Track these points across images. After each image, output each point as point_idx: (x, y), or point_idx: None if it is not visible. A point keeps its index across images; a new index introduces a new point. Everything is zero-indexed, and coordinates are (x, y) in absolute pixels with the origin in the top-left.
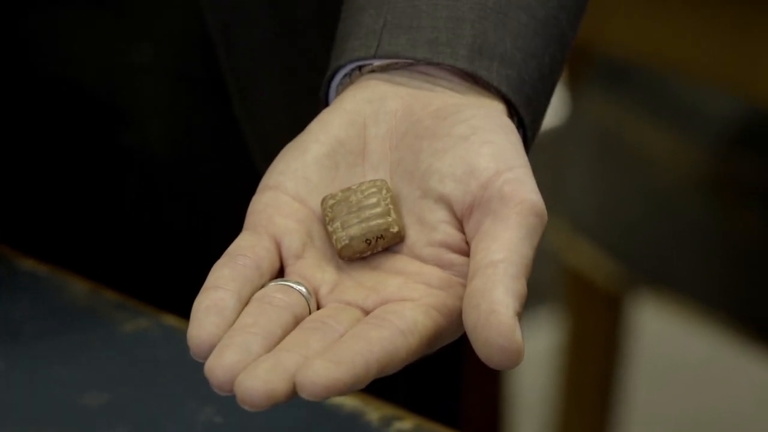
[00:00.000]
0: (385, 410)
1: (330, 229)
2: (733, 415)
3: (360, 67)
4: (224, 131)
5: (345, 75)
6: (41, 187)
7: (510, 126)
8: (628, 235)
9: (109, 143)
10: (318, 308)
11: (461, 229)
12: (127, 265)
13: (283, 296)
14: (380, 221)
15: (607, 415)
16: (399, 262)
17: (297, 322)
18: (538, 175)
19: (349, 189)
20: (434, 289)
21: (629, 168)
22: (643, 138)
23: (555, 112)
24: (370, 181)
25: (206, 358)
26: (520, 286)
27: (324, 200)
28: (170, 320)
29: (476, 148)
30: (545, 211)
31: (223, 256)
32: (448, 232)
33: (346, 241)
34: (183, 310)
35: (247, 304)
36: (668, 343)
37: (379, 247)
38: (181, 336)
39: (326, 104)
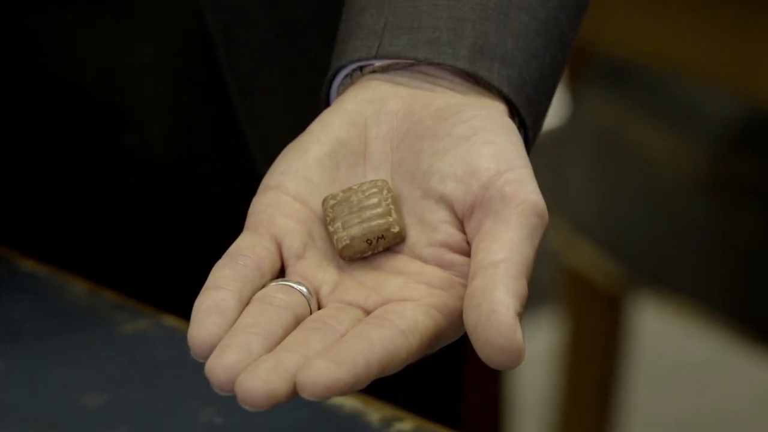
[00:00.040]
0: (386, 411)
1: (331, 229)
2: (733, 416)
3: (361, 68)
4: (224, 131)
5: (346, 75)
6: (41, 187)
7: (511, 126)
8: (628, 235)
9: (109, 143)
10: (319, 308)
11: (462, 229)
12: (126, 265)
13: (284, 296)
14: (381, 221)
15: (607, 415)
16: (400, 262)
17: (298, 322)
18: (538, 176)
19: (350, 189)
20: (435, 289)
21: (629, 168)
22: (644, 138)
23: (555, 113)
24: (371, 181)
25: (207, 358)
26: (521, 287)
27: (325, 200)
28: (170, 321)
29: (477, 149)
30: (546, 212)
31: (224, 256)
32: (448, 232)
33: (347, 241)
34: (183, 310)
35: (248, 304)
36: (668, 344)
37: (380, 247)
38: (181, 336)
39: (327, 105)
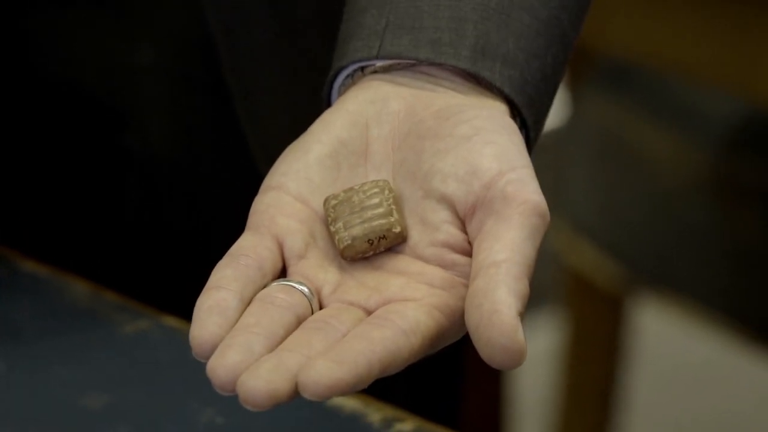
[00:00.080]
0: (386, 411)
1: (332, 229)
2: (734, 416)
3: (362, 68)
4: (224, 131)
5: (347, 76)
6: (41, 187)
7: (512, 126)
8: (629, 236)
9: (110, 144)
10: (320, 308)
11: (463, 229)
12: (127, 266)
13: (285, 296)
14: (382, 221)
15: (608, 415)
16: (401, 262)
17: (299, 322)
18: (539, 176)
19: (351, 189)
20: (436, 289)
21: (630, 169)
22: (644, 139)
23: (556, 114)
24: (373, 181)
25: (208, 358)
26: (522, 287)
27: (326, 200)
28: (171, 321)
29: (479, 149)
30: (548, 212)
31: (225, 256)
32: (450, 232)
33: (349, 242)
34: (183, 311)
35: (249, 304)
36: (669, 344)
37: (381, 247)
38: (182, 337)
39: (328, 105)
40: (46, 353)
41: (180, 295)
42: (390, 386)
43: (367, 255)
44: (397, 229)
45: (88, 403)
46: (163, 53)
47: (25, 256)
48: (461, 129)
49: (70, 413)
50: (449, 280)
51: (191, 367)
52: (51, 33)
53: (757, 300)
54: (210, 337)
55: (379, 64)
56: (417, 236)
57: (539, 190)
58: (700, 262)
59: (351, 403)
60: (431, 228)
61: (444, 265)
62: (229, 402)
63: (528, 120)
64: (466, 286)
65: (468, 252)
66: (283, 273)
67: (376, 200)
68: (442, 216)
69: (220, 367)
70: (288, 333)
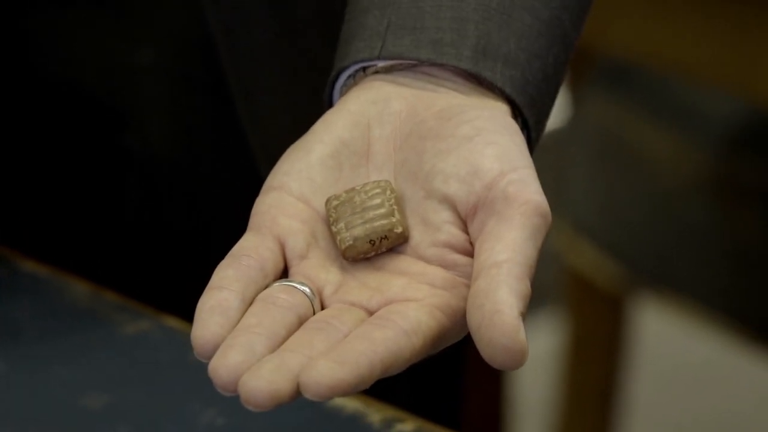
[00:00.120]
0: (387, 412)
1: (334, 229)
2: (734, 416)
3: (364, 69)
4: (224, 131)
5: (349, 76)
6: (41, 187)
7: (514, 127)
8: (629, 236)
9: (110, 144)
10: (322, 309)
11: (465, 229)
12: (127, 266)
13: (287, 297)
14: (384, 222)
15: (608, 416)
16: (403, 262)
17: (301, 322)
18: (539, 177)
19: (353, 190)
20: (438, 289)
21: (631, 169)
22: (645, 139)
23: (556, 114)
24: (374, 181)
25: (210, 358)
26: (524, 287)
27: (328, 201)
28: (171, 322)
29: (480, 149)
30: (549, 212)
31: (227, 256)
32: (452, 232)
33: (350, 242)
34: (184, 311)
35: (251, 304)
36: (669, 344)
37: (383, 247)
38: (182, 337)
39: (330, 105)
40: (46, 353)
41: (180, 296)
42: (391, 387)
43: (368, 255)
44: (399, 230)
45: (88, 404)
46: (163, 53)
47: (26, 256)
48: (463, 129)
49: (70, 413)
50: (451, 281)
51: (191, 368)
52: (51, 33)
53: (757, 300)
54: (212, 338)
55: (381, 64)
56: (418, 236)
57: (541, 191)
58: (700, 262)
59: (351, 404)
60: (433, 228)
61: (445, 266)
62: (230, 403)
63: (529, 120)
64: (468, 287)
65: (469, 252)
66: (284, 273)
67: (377, 200)
68: (443, 216)
69: (222, 367)
70: (290, 333)
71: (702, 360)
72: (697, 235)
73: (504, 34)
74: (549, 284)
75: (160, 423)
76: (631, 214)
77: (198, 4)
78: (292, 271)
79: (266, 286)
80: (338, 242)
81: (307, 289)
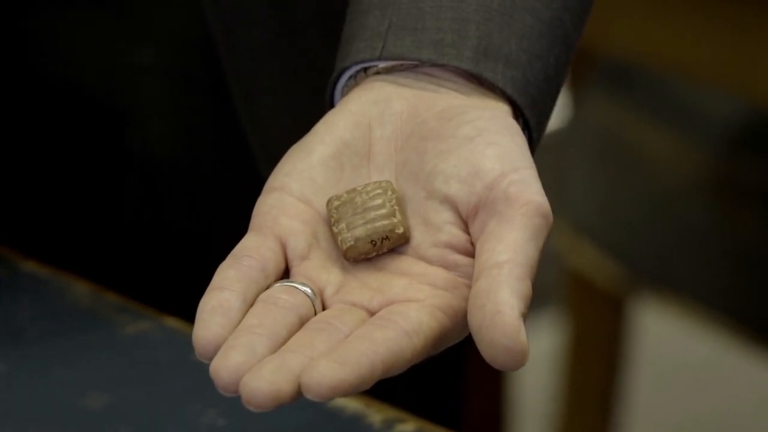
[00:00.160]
0: (388, 413)
1: (335, 230)
2: (735, 416)
3: (365, 69)
4: (224, 132)
5: (350, 77)
6: (41, 188)
7: (515, 127)
8: (630, 236)
9: (110, 144)
10: (323, 309)
11: (466, 230)
12: (127, 266)
13: (288, 297)
14: (385, 222)
15: (609, 416)
16: (404, 263)
17: (302, 323)
18: (540, 177)
19: (354, 190)
20: (439, 290)
21: (631, 170)
22: (645, 139)
23: (557, 115)
24: (376, 182)
25: (211, 358)
26: (525, 287)
27: (329, 201)
28: (171, 322)
29: (481, 150)
30: (551, 213)
31: (228, 257)
32: (453, 233)
33: (352, 242)
34: (184, 311)
35: (252, 305)
36: (670, 345)
37: (384, 248)
38: (183, 338)
39: (331, 106)
40: (46, 354)
41: (180, 296)
42: (392, 387)
43: (370, 256)
44: (400, 230)
45: (89, 404)
46: (163, 53)
47: (26, 257)
48: (464, 130)
49: (71, 414)
50: (452, 281)
51: (192, 369)
52: (51, 33)
53: (757, 300)
54: (213, 338)
55: (382, 65)
56: (420, 237)
57: (542, 191)
58: (700, 262)
59: (352, 404)
60: (434, 229)
61: (447, 266)
62: (231, 403)
63: (530, 121)
64: (469, 287)
65: (471, 253)
66: (286, 274)
67: (379, 201)
68: (444, 217)
69: (223, 367)
70: (291, 334)
71: (702, 360)
72: (697, 235)
73: (505, 34)
74: (549, 285)
75: (160, 424)
76: (632, 215)
77: (198, 4)
78: (293, 271)
79: (267, 287)
80: (339, 243)
81: (308, 290)
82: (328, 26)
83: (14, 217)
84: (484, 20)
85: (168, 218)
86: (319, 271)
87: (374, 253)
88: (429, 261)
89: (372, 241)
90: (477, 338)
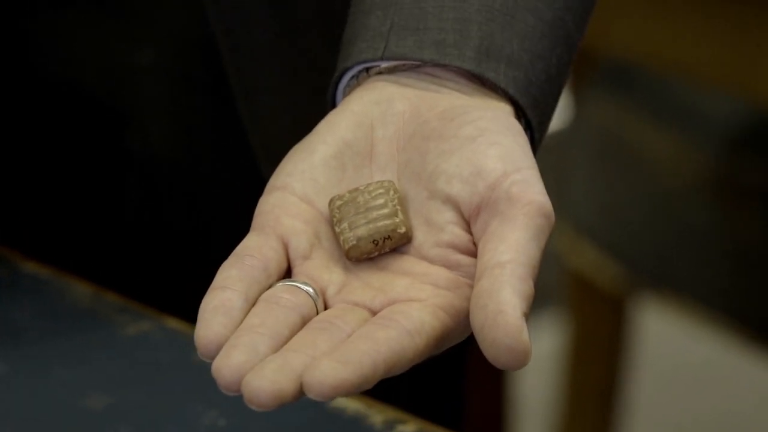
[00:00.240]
0: (389, 413)
1: (337, 229)
2: (736, 417)
3: (367, 69)
4: (225, 132)
5: (352, 77)
6: (42, 188)
7: (517, 127)
8: (631, 237)
9: (111, 144)
10: (325, 309)
11: (468, 230)
12: (127, 266)
13: (290, 297)
14: (388, 222)
15: (610, 417)
16: (406, 262)
17: (304, 322)
18: (541, 178)
19: (356, 190)
20: (441, 289)
21: (632, 170)
22: (645, 139)
23: (558, 115)
24: (378, 182)
25: (213, 358)
26: (527, 287)
27: (331, 201)
28: (172, 323)
29: (483, 150)
30: (553, 213)
31: (230, 256)
32: (455, 232)
33: (354, 242)
34: (185, 312)
35: (254, 304)
36: (671, 345)
37: (386, 247)
38: (183, 339)
39: (333, 106)
40: (47, 354)
41: (180, 296)
42: (393, 388)
43: (372, 255)
44: (402, 230)
45: (90, 404)
46: (164, 53)
47: (26, 257)
48: (466, 130)
49: (71, 414)
50: (454, 281)
51: (193, 369)
52: (51, 33)
53: (757, 300)
54: (215, 337)
55: (384, 65)
56: (422, 237)
57: (544, 191)
58: (700, 262)
59: (353, 405)
60: (436, 229)
61: (449, 266)
62: (231, 404)
63: (533, 121)
64: (471, 287)
65: (473, 253)
66: (288, 273)
67: (381, 201)
68: (446, 217)
69: (225, 367)
70: (293, 333)
71: (702, 360)
72: (697, 236)
73: (507, 35)
74: (550, 285)
75: (161, 424)
76: (632, 215)
77: (198, 4)
78: (295, 271)
79: (269, 286)
80: (342, 242)
81: (310, 289)
82: (329, 26)
83: (15, 217)
84: (486, 20)
85: (168, 218)
86: (321, 271)
87: (376, 253)
88: (431, 261)
89: (374, 240)
90: (479, 338)
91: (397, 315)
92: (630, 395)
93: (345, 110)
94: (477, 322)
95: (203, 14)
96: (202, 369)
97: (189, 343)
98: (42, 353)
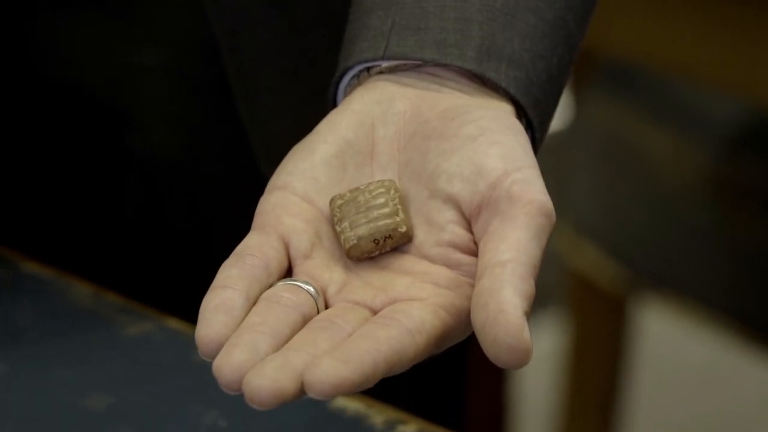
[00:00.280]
0: (389, 413)
1: (338, 229)
2: (737, 417)
3: (368, 69)
4: (226, 132)
5: (353, 76)
6: (43, 189)
7: (518, 127)
8: (632, 237)
9: (112, 145)
10: (326, 308)
11: (469, 229)
12: (128, 266)
13: (291, 296)
14: (388, 221)
15: (611, 417)
16: (407, 261)
17: (305, 321)
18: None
19: (357, 189)
20: (442, 288)
21: (633, 171)
22: (646, 140)
23: (559, 116)
24: (379, 181)
25: (214, 357)
26: (528, 286)
27: (332, 200)
28: (173, 323)
29: (484, 149)
30: (553, 212)
31: (231, 255)
32: (456, 232)
33: (355, 241)
34: (185, 312)
35: (255, 303)
36: (672, 346)
37: (387, 247)
38: (184, 339)
39: (334, 105)
40: (48, 354)
41: (181, 296)
42: (394, 387)
43: (372, 255)
44: (403, 229)
45: (90, 405)
46: (165, 54)
47: (27, 258)
48: (467, 129)
49: (72, 414)
50: (455, 280)
51: (194, 369)
52: (52, 33)
53: (758, 300)
54: (216, 336)
55: (385, 64)
56: (422, 236)
57: (545, 190)
58: (701, 262)
59: (354, 405)
60: (437, 228)
61: (450, 265)
62: (232, 404)
63: (534, 121)
64: (472, 286)
65: (474, 252)
66: (288, 272)
67: (381, 200)
68: (447, 216)
69: (226, 366)
70: (294, 332)
71: (704, 361)
72: (698, 236)
73: (508, 34)
74: (551, 285)
75: (162, 424)
76: (633, 215)
77: (199, 5)
78: (296, 270)
79: (270, 285)
80: (342, 241)
81: (311, 289)
82: (329, 26)
83: (15, 217)
84: (487, 20)
85: (168, 218)
86: (322, 270)
87: (377, 252)
88: (432, 260)
89: (375, 239)
90: (480, 337)
91: (397, 314)
92: (630, 395)
93: (346, 110)
94: (478, 321)
95: (204, 14)
96: (203, 369)
97: (190, 343)
98: (43, 353)
